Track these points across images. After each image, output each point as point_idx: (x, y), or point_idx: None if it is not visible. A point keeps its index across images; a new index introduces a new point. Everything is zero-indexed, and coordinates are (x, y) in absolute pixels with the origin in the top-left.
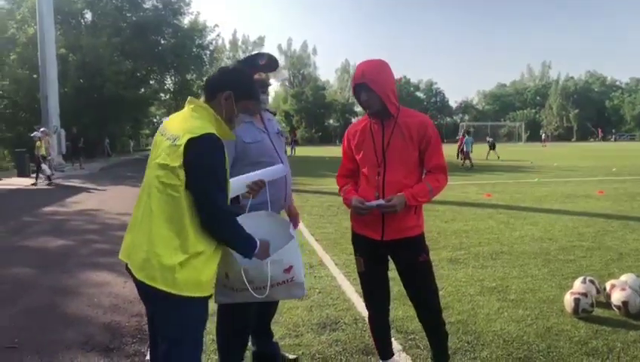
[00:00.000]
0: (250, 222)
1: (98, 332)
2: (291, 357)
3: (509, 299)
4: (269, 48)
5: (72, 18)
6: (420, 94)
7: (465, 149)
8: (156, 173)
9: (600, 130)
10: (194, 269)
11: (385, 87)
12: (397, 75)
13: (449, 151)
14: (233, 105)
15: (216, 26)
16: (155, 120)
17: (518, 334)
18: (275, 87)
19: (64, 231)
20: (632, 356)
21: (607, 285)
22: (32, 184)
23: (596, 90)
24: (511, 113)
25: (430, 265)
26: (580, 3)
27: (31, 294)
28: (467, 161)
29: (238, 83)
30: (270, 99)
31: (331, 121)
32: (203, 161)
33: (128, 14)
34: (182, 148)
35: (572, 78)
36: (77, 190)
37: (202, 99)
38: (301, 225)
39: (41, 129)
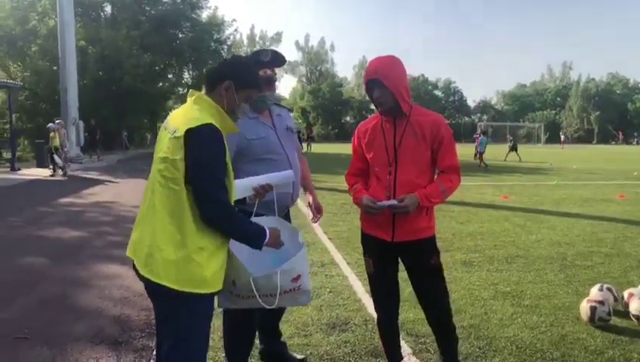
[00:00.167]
0: None
1: (108, 325)
2: (299, 357)
3: (524, 305)
4: (287, 44)
5: (93, 11)
6: (437, 93)
7: (479, 149)
8: (158, 166)
9: (621, 133)
10: (197, 265)
11: (398, 84)
12: (415, 73)
13: (467, 151)
14: (234, 96)
15: (234, 20)
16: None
17: (532, 341)
18: (292, 83)
19: (79, 223)
20: None
21: (625, 293)
22: (50, 175)
23: (618, 92)
24: (530, 114)
25: (441, 268)
26: (603, 4)
27: (43, 285)
28: (481, 162)
29: (238, 72)
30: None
31: (348, 118)
32: (201, 153)
33: (147, 8)
34: (181, 140)
35: (593, 79)
36: (94, 182)
37: (203, 91)
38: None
39: (57, 121)
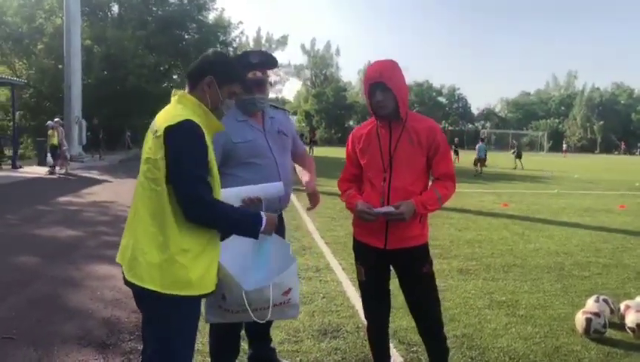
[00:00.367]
0: (251, 244)
1: (96, 327)
2: None
3: (518, 315)
4: (293, 47)
5: (100, 10)
6: (442, 99)
7: (477, 156)
8: (142, 168)
9: (623, 143)
10: (181, 267)
11: (400, 88)
12: (419, 79)
13: (470, 157)
14: (217, 91)
15: (241, 22)
16: None
17: (525, 352)
18: (297, 86)
19: (75, 222)
20: None
21: (622, 305)
22: (50, 173)
23: (623, 102)
24: (534, 122)
25: (433, 276)
26: (608, 15)
27: (35, 284)
28: (478, 167)
29: (218, 67)
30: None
31: (351, 123)
32: (180, 148)
33: (154, 8)
34: (161, 138)
35: (598, 88)
36: (94, 181)
37: (187, 90)
38: (311, 227)
39: (55, 119)
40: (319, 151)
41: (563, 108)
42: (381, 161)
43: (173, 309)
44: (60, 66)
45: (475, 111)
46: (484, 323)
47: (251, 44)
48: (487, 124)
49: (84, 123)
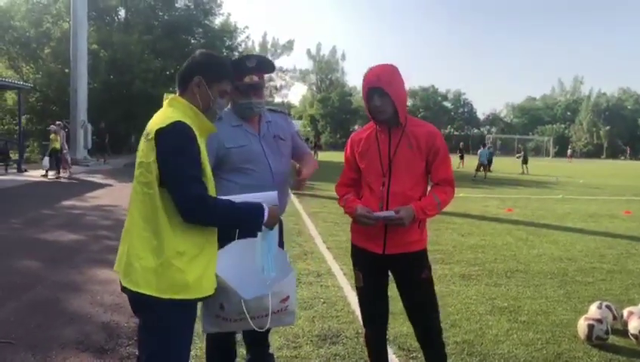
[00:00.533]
0: (248, 252)
1: (95, 331)
2: None
3: (520, 321)
4: (299, 52)
5: (107, 15)
6: (447, 104)
7: (479, 160)
8: (136, 173)
9: (629, 148)
10: (177, 270)
11: (399, 93)
12: (425, 83)
13: (474, 162)
14: (207, 91)
15: (247, 27)
16: None
17: (526, 358)
18: (302, 91)
19: (78, 226)
20: None
21: (625, 312)
22: (56, 177)
23: (629, 107)
24: (540, 127)
25: (432, 282)
26: (615, 19)
27: (36, 288)
28: (480, 171)
29: (206, 66)
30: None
31: (356, 127)
32: (172, 148)
33: (160, 13)
34: (152, 141)
35: (604, 94)
36: (98, 185)
37: (177, 93)
38: (313, 232)
39: (57, 122)
40: (324, 155)
41: (569, 113)
42: (380, 165)
43: (170, 314)
44: (67, 70)
45: (480, 116)
46: (485, 329)
47: (257, 48)
48: (493, 129)
49: (89, 127)
